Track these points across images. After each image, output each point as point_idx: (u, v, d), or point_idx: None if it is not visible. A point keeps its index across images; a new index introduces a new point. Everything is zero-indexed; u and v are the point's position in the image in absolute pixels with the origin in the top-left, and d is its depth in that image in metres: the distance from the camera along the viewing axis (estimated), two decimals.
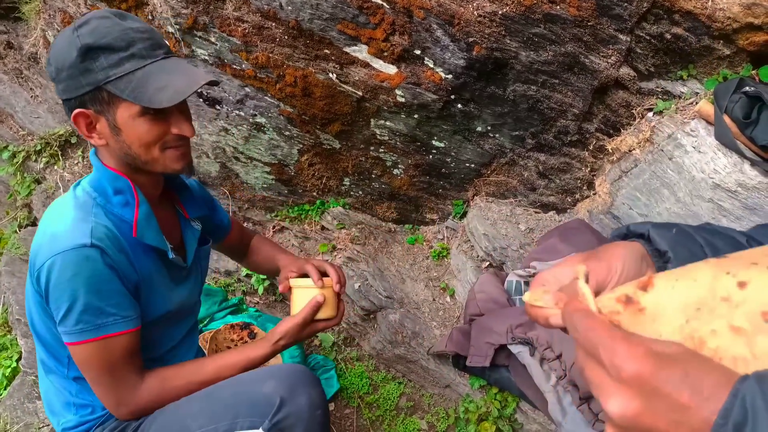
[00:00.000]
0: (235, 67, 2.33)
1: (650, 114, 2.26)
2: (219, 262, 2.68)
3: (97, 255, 1.21)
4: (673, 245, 0.76)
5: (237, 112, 2.47)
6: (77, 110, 1.23)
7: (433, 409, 2.31)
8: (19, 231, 3.01)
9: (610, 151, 2.38)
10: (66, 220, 1.25)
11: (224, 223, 1.79)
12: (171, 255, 1.40)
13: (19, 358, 2.43)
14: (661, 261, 0.76)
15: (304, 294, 1.46)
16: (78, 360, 1.29)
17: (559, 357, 1.80)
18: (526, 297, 0.72)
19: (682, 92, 2.24)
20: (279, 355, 2.29)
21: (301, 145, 2.55)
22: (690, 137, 2.04)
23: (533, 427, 2.12)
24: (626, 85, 2.26)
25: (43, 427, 2.11)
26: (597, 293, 0.67)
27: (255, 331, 2.34)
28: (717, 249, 0.77)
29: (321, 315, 1.47)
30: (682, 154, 2.06)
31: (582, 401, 1.71)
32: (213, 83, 1.30)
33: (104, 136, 1.27)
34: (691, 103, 2.16)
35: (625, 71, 2.22)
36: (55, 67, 1.22)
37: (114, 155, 1.31)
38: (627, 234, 0.83)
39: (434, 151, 2.50)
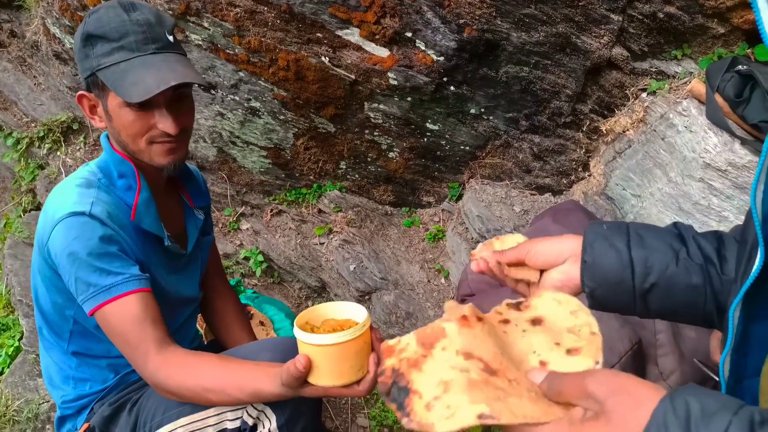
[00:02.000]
0: (228, 51, 2.35)
1: (644, 94, 2.24)
2: (217, 244, 2.71)
3: (96, 223, 1.24)
4: (592, 240, 0.91)
5: (232, 96, 2.49)
6: (81, 92, 1.32)
7: None
8: (23, 215, 3.07)
9: (605, 132, 2.37)
10: (69, 196, 1.28)
11: (210, 237, 1.72)
12: (167, 242, 1.42)
13: (21, 338, 2.49)
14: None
15: (300, 347, 1.07)
16: (105, 329, 1.26)
17: None
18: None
19: (677, 72, 2.22)
20: (274, 330, 2.33)
21: (296, 129, 2.57)
22: (682, 117, 2.03)
23: None
24: (620, 66, 2.25)
25: (43, 403, 2.17)
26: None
27: (252, 312, 2.38)
28: (643, 239, 0.90)
29: (326, 380, 1.05)
30: (674, 134, 2.05)
31: None
32: (201, 85, 1.31)
33: (103, 119, 1.34)
34: (685, 83, 2.15)
35: (618, 51, 2.20)
36: (74, 49, 1.28)
37: (115, 139, 1.36)
38: None
39: (429, 134, 2.51)
